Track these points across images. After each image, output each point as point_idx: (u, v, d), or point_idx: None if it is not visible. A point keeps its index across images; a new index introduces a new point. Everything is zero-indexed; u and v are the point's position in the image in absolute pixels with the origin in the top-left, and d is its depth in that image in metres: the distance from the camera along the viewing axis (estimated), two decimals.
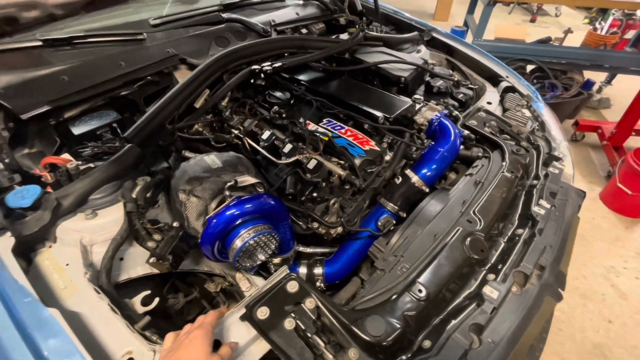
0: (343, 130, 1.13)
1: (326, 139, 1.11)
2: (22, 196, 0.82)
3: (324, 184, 1.00)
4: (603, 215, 2.66)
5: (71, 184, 0.82)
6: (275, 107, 1.20)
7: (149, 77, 1.27)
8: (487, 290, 0.78)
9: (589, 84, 3.61)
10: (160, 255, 0.81)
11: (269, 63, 1.31)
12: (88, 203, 0.84)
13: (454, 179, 1.31)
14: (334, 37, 1.79)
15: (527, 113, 1.46)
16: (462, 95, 1.48)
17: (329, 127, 1.15)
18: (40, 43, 1.14)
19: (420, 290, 0.78)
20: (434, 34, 1.80)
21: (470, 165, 1.28)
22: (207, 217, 0.88)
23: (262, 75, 1.28)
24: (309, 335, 0.71)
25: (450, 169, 1.34)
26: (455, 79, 1.53)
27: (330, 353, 0.69)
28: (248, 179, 0.96)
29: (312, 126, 1.17)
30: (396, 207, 1.10)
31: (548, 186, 1.08)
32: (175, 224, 0.90)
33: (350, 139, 1.10)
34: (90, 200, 0.84)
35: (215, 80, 1.29)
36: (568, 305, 2.04)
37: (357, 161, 1.06)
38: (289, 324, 0.72)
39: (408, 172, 1.12)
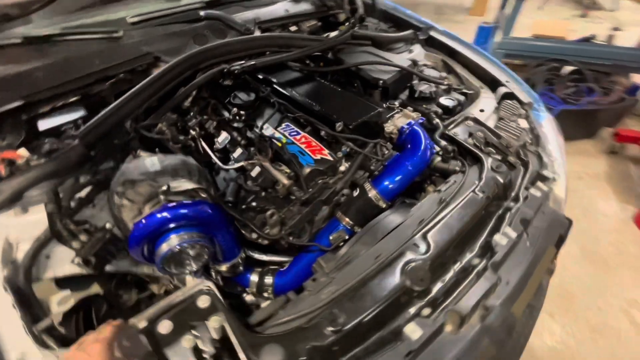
0: (298, 137, 1.07)
1: (280, 144, 1.06)
2: None
3: (263, 193, 0.95)
4: (634, 240, 2.34)
5: (6, 181, 0.85)
6: (235, 109, 1.16)
7: (121, 75, 1.29)
8: (408, 329, 0.69)
9: (635, 89, 3.18)
10: (83, 256, 0.82)
11: (240, 62, 1.28)
12: (23, 199, 0.86)
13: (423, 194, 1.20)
14: (325, 35, 1.72)
15: (524, 124, 1.30)
16: (450, 101, 1.35)
17: (285, 132, 1.09)
18: (19, 41, 1.19)
19: (334, 320, 0.71)
20: (432, 33, 1.66)
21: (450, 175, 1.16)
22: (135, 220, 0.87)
23: (231, 75, 1.25)
24: (206, 356, 0.67)
25: (429, 182, 1.23)
26: (446, 83, 1.40)
27: None
28: (183, 185, 0.93)
29: (269, 130, 1.12)
30: (351, 222, 1.03)
31: (522, 211, 0.94)
32: (107, 226, 0.90)
33: (303, 146, 1.03)
34: (26, 197, 0.86)
35: (187, 79, 1.28)
36: (574, 338, 1.82)
37: (307, 170, 0.99)
38: (187, 342, 0.69)
39: (366, 184, 1.04)
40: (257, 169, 0.96)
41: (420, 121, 1.18)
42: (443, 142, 1.16)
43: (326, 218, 1.10)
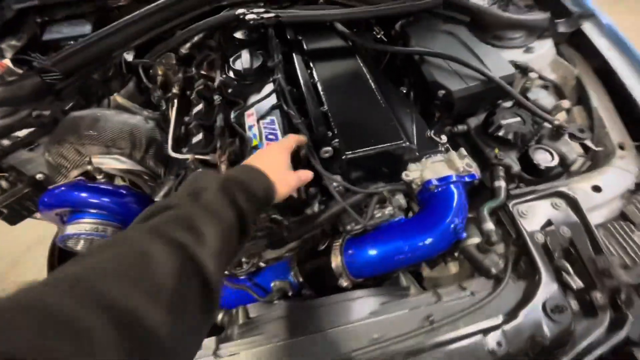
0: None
1: (255, 144, 0.78)
2: None
3: None
4: None
5: None
6: (224, 76, 0.88)
7: None
8: None
9: None
10: None
11: (263, 10, 0.95)
12: None
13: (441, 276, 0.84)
14: None
15: None
16: (546, 156, 0.82)
17: (264, 130, 0.80)
18: None
19: None
20: (585, 26, 0.99)
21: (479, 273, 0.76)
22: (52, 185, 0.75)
23: (245, 25, 0.94)
24: None
25: (453, 256, 0.84)
26: (558, 121, 0.84)
27: None
28: (114, 162, 0.76)
29: (251, 119, 0.83)
30: (300, 278, 0.76)
31: None
32: (38, 176, 0.81)
33: None
34: None
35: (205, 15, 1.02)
36: None
37: None
38: None
39: (335, 245, 0.72)
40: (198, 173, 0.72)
41: (469, 179, 0.74)
42: (490, 225, 0.72)
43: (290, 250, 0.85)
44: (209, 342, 0.66)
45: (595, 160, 0.88)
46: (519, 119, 0.82)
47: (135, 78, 1.07)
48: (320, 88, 0.84)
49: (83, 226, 0.73)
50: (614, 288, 0.67)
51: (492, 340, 0.60)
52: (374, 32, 1.11)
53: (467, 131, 0.88)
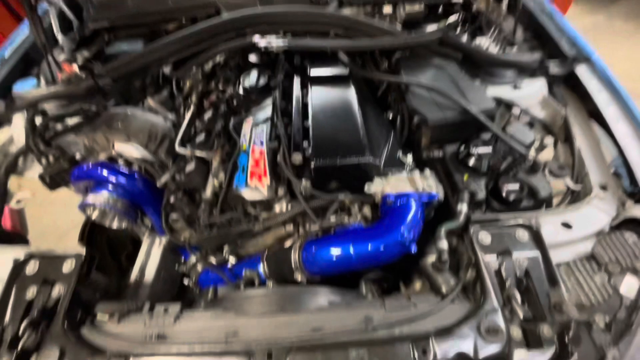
0: (257, 148, 0.88)
1: (244, 147, 0.91)
2: (22, 85, 1.10)
3: (179, 193, 0.85)
4: None
5: (31, 90, 1.03)
6: (230, 90, 1.04)
7: (183, 21, 1.33)
8: None
9: None
10: (41, 174, 0.95)
11: (275, 37, 1.11)
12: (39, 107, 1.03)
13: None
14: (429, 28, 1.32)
15: (632, 287, 0.70)
16: (513, 187, 0.84)
17: (255, 137, 0.92)
18: None
19: None
20: (580, 69, 1.00)
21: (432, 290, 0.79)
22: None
23: (257, 50, 1.11)
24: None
25: (420, 275, 0.87)
26: (532, 155, 0.86)
27: None
28: (131, 151, 0.93)
29: (247, 126, 0.97)
30: (266, 270, 0.85)
31: None
32: (77, 156, 1.00)
33: (250, 163, 0.85)
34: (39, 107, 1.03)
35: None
36: None
37: (234, 193, 0.83)
38: (30, 293, 0.74)
39: (298, 242, 0.80)
40: (191, 165, 0.86)
41: (428, 199, 0.79)
42: (443, 244, 0.76)
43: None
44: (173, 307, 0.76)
45: (577, 199, 0.87)
46: (489, 148, 0.86)
47: (169, 87, 1.28)
48: (309, 106, 0.96)
49: (99, 198, 0.90)
50: (563, 323, 0.66)
51: (418, 348, 0.63)
52: (378, 62, 1.23)
53: (443, 157, 0.93)
